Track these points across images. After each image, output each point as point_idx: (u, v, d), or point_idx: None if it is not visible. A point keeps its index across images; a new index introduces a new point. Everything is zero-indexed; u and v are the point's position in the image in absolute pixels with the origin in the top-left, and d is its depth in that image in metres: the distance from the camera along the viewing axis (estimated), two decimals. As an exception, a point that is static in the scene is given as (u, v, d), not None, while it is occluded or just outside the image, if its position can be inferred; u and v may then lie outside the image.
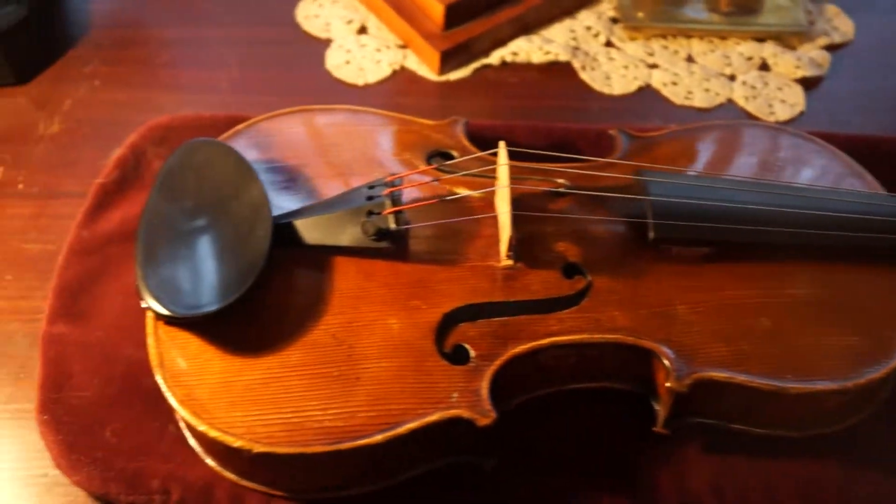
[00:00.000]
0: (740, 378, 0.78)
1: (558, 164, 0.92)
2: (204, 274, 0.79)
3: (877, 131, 1.14)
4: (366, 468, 0.78)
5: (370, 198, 0.83)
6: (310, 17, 1.23)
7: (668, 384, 0.78)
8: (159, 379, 0.77)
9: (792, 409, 0.82)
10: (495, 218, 0.87)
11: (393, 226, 0.82)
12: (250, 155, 0.90)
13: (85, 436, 0.82)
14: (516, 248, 0.83)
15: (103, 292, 0.92)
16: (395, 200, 0.83)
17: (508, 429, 0.79)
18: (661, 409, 0.82)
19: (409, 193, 0.87)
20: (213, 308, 0.76)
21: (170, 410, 0.84)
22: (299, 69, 1.17)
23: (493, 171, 0.89)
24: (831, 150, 0.96)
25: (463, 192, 0.89)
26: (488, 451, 0.81)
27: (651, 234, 0.83)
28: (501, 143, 0.86)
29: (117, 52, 1.17)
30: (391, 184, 0.85)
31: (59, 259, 0.94)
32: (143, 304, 0.78)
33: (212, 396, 0.76)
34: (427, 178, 0.89)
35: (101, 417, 0.83)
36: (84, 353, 0.87)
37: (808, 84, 1.19)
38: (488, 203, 0.88)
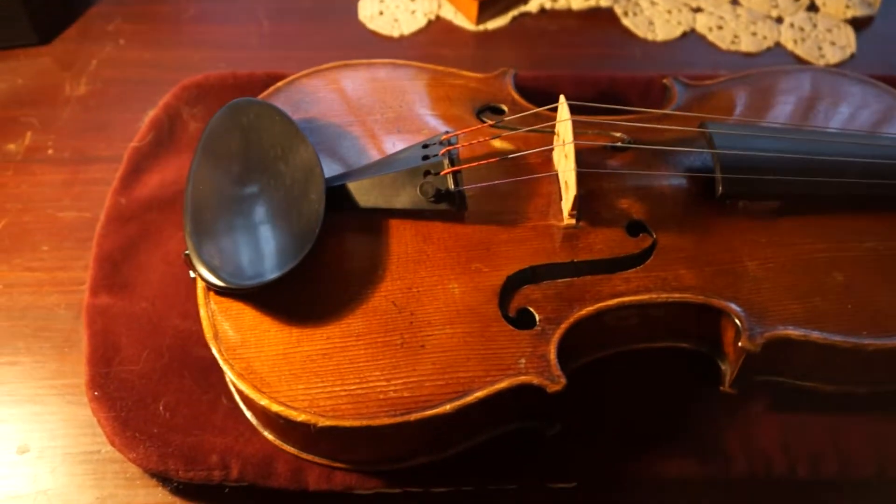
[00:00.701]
0: (815, 336, 0.75)
1: (615, 117, 0.88)
2: (257, 241, 0.76)
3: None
4: (431, 438, 0.76)
5: (426, 157, 0.80)
6: (340, -34, 1.18)
7: (740, 343, 0.75)
8: (215, 352, 0.74)
9: (865, 365, 0.79)
10: (555, 175, 0.84)
11: (452, 186, 0.78)
12: (291, 113, 0.86)
13: (138, 411, 0.80)
14: (579, 206, 0.80)
15: (146, 261, 0.89)
16: (453, 160, 0.79)
17: (570, 392, 0.76)
18: (727, 369, 0.80)
19: (465, 151, 0.83)
20: (270, 278, 0.73)
21: (222, 382, 0.82)
22: (331, 21, 1.13)
23: (550, 126, 0.85)
24: (893, 92, 0.92)
25: (522, 149, 0.85)
26: (553, 416, 0.78)
27: (719, 189, 0.80)
28: (562, 98, 0.82)
29: (141, 8, 1.13)
30: (447, 142, 0.81)
31: (97, 227, 0.90)
32: (193, 275, 0.75)
33: (272, 369, 0.73)
34: (482, 135, 0.85)
35: (153, 391, 0.81)
36: (130, 324, 0.85)
37: (858, 24, 1.15)
38: (547, 160, 0.85)
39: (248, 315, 0.75)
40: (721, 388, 0.80)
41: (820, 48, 1.12)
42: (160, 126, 0.97)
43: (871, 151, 0.83)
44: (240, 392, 0.76)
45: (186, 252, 0.75)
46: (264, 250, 0.75)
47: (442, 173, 0.79)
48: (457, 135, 0.82)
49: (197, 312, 0.78)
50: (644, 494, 0.80)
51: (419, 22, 1.12)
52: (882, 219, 0.82)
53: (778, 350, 0.77)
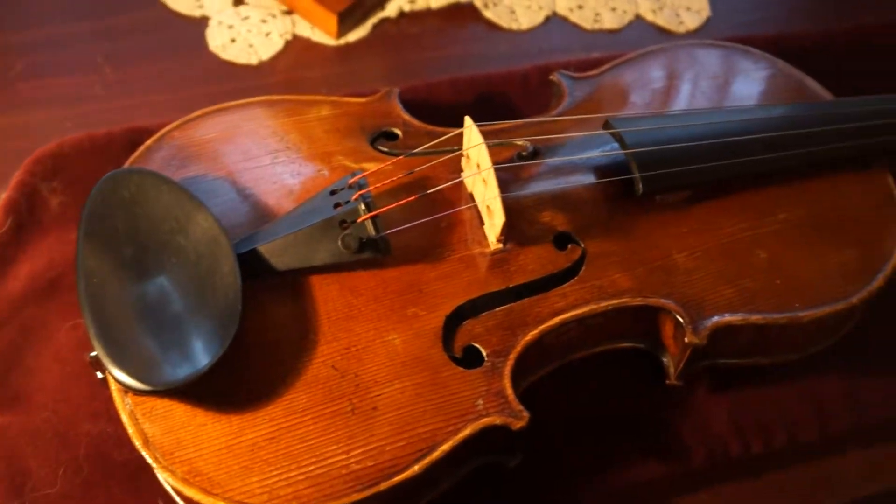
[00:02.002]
0: (754, 318, 0.76)
1: (512, 123, 0.85)
2: (176, 330, 0.68)
3: (777, 26, 1.13)
4: (401, 497, 0.71)
5: (337, 205, 0.74)
6: (175, -5, 1.09)
7: (686, 339, 0.74)
8: (150, 460, 0.67)
9: (797, 335, 0.80)
10: (472, 201, 0.80)
11: (373, 233, 0.73)
12: (171, 173, 0.79)
13: (68, 537, 0.71)
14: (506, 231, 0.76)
15: (35, 365, 0.79)
16: (369, 204, 0.73)
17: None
18: (670, 362, 0.79)
19: (378, 190, 0.77)
20: (199, 369, 0.66)
21: (155, 484, 0.74)
22: (181, 57, 1.04)
23: (457, 146, 0.81)
24: (770, 59, 0.93)
25: (434, 178, 0.80)
26: (516, 448, 0.75)
27: (640, 188, 0.78)
28: (468, 121, 0.78)
29: (-38, 72, 1.00)
30: (357, 185, 0.75)
31: (-29, 337, 0.80)
32: (102, 375, 0.67)
33: (218, 466, 0.66)
34: (391, 172, 0.79)
35: (80, 511, 0.73)
36: (35, 441, 0.76)
37: (707, -13, 1.16)
38: (459, 184, 0.80)
39: (178, 412, 0.68)
40: (667, 381, 0.80)
41: (678, 15, 1.12)
42: (17, 208, 0.86)
43: (770, 124, 0.83)
44: (187, 499, 0.69)
45: (93, 354, 0.67)
46: (185, 339, 0.68)
47: (359, 220, 0.73)
48: (365, 175, 0.76)
49: (108, 411, 0.71)
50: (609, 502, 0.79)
51: (276, 45, 1.05)
52: (789, 188, 0.83)
53: (720, 336, 0.76)
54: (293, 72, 1.03)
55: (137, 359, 0.66)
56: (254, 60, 1.03)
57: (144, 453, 0.67)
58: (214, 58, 1.03)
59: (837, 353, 0.84)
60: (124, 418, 0.68)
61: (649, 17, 1.12)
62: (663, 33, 1.11)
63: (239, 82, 1.02)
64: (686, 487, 0.80)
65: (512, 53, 1.07)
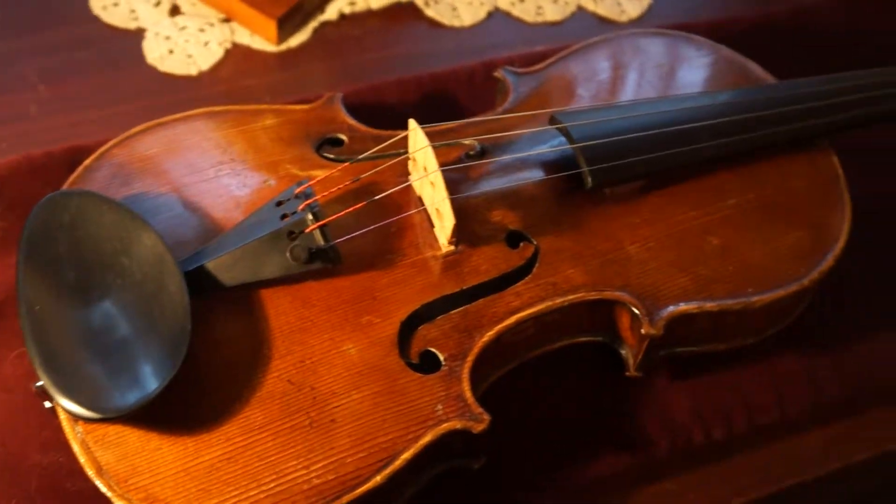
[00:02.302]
0: (709, 305, 0.76)
1: (462, 123, 0.84)
2: (124, 354, 0.66)
3: (720, 9, 1.14)
4: (366, 507, 0.71)
5: (284, 216, 0.73)
6: (109, 7, 1.06)
7: (643, 331, 0.74)
8: (104, 489, 0.65)
9: (752, 319, 0.80)
10: (422, 204, 0.79)
11: (322, 243, 0.72)
12: (113, 192, 0.77)
13: (26, 573, 0.70)
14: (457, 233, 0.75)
15: (-18, 395, 0.77)
16: (316, 213, 0.72)
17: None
18: (628, 353, 0.79)
19: (325, 199, 0.76)
20: (149, 394, 0.64)
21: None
22: (118, 71, 1.01)
23: (403, 149, 0.80)
24: (712, 46, 0.93)
25: (381, 183, 0.79)
26: (479, 450, 0.74)
27: (589, 182, 0.78)
28: (412, 123, 0.76)
29: None
30: (303, 195, 0.74)
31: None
32: (49, 405, 0.65)
33: (176, 490, 0.65)
34: (337, 179, 0.78)
35: (36, 545, 0.71)
36: (-14, 475, 0.73)
37: (645, -28, 1.16)
38: (408, 188, 0.79)
39: (131, 438, 0.66)
40: (626, 373, 0.79)
41: (619, 3, 1.12)
42: (-44, 235, 0.84)
43: (715, 111, 0.83)
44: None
45: (39, 384, 0.65)
46: (134, 363, 0.66)
47: (307, 230, 0.72)
48: (311, 185, 0.75)
49: (59, 441, 0.69)
50: (577, 498, 0.79)
51: (216, 54, 1.03)
52: (738, 173, 0.83)
53: (676, 325, 0.76)
54: (235, 81, 1.01)
55: (85, 386, 0.64)
56: (193, 71, 1.01)
57: (98, 482, 0.65)
58: (153, 70, 1.01)
59: (793, 334, 0.85)
60: (76, 447, 0.66)
61: (591, 6, 1.11)
62: (606, 23, 1.10)
63: (180, 94, 0.99)
64: (651, 477, 0.80)
65: (456, 50, 1.06)
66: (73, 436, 0.67)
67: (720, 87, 0.91)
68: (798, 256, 0.79)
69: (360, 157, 0.79)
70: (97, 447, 0.66)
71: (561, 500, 0.78)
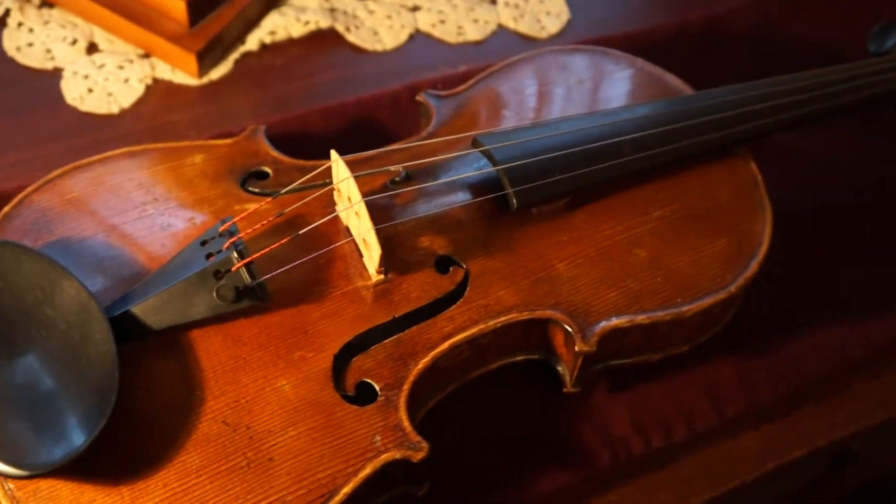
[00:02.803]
0: (640, 318, 0.76)
1: (381, 150, 0.83)
2: (49, 408, 0.64)
3: (637, 20, 1.15)
4: (309, 546, 0.70)
5: (209, 255, 0.71)
6: (23, 48, 1.03)
7: (576, 348, 0.75)
8: (39, 548, 0.63)
9: (685, 328, 0.81)
10: (349, 235, 0.78)
11: (249, 280, 0.71)
12: (35, 240, 0.75)
13: None
14: (385, 262, 0.75)
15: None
16: (241, 251, 0.71)
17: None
18: (564, 370, 0.79)
19: (250, 235, 0.75)
20: (78, 447, 0.62)
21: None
22: (36, 113, 0.99)
23: (327, 180, 0.79)
24: (630, 59, 0.94)
25: (306, 216, 0.78)
26: (421, 477, 0.74)
27: (514, 203, 0.78)
28: (334, 154, 0.76)
29: None
30: (228, 232, 0.73)
31: None
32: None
33: (115, 542, 0.63)
34: (261, 214, 0.77)
35: None
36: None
37: (563, -11, 1.17)
38: (335, 219, 0.79)
39: (63, 491, 0.65)
40: (564, 389, 0.79)
41: (539, 20, 1.12)
42: None
43: (635, 125, 0.84)
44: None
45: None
46: (61, 416, 0.64)
47: (233, 269, 0.71)
48: (235, 222, 0.74)
49: (-9, 497, 0.67)
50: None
51: (136, 90, 1.01)
52: (662, 185, 0.84)
53: (609, 340, 0.77)
54: (158, 117, 1.00)
55: (9, 444, 0.62)
56: (115, 109, 0.99)
57: (32, 540, 0.64)
58: (73, 110, 0.99)
59: (725, 339, 0.85)
60: (6, 504, 0.65)
61: (511, 24, 1.12)
62: (527, 40, 1.11)
63: (102, 133, 0.97)
64: (594, 491, 0.80)
65: (380, 74, 1.06)
66: (4, 493, 0.65)
67: (639, 99, 0.92)
68: (724, 263, 0.80)
69: (285, 190, 0.78)
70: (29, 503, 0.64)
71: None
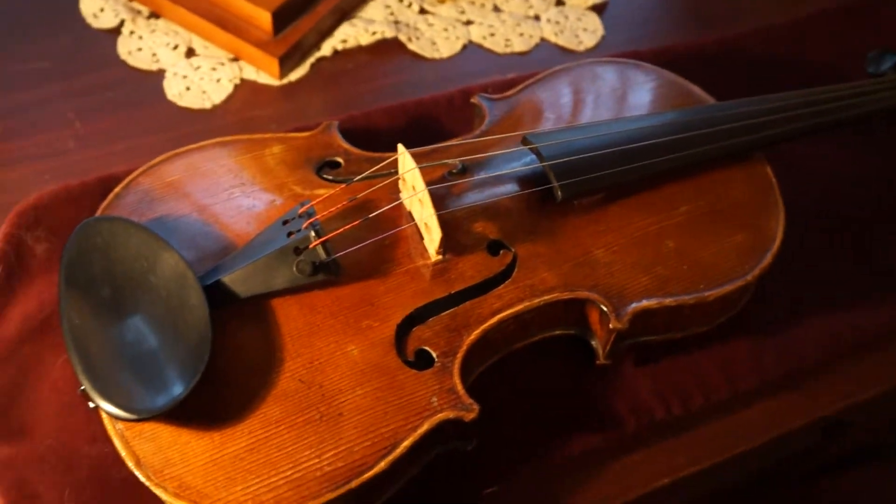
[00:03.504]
0: (668, 301, 0.74)
1: (441, 145, 0.82)
2: (153, 362, 0.64)
3: (664, 38, 1.12)
4: (373, 490, 0.68)
5: (290, 234, 0.70)
6: (133, 53, 1.03)
7: (610, 325, 0.73)
8: (143, 479, 0.63)
9: (706, 310, 0.78)
10: (412, 219, 0.76)
11: (324, 257, 0.69)
12: (140, 216, 0.75)
13: (76, 555, 0.67)
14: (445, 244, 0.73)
15: (35, 398, 0.75)
16: (318, 231, 0.70)
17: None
18: (598, 344, 0.77)
19: (326, 217, 0.73)
20: (177, 397, 0.62)
21: (152, 497, 0.70)
22: (142, 108, 0.98)
23: (393, 171, 0.78)
24: (659, 72, 0.91)
25: (375, 201, 0.76)
26: (470, 434, 0.72)
27: (559, 195, 0.76)
28: (401, 148, 0.74)
29: (-55, 137, 0.93)
30: (306, 213, 0.72)
31: (-28, 379, 0.75)
32: (93, 405, 0.63)
33: (205, 479, 0.63)
34: (336, 199, 0.75)
35: (87, 529, 0.69)
36: (42, 468, 0.71)
37: (598, 10, 1.14)
38: (400, 204, 0.77)
39: (164, 433, 0.64)
40: (597, 361, 0.78)
41: (577, 36, 1.10)
42: (7, 258, 0.81)
43: (665, 129, 0.81)
44: (179, 509, 0.65)
45: (82, 388, 0.63)
46: (163, 369, 0.64)
47: (311, 246, 0.70)
48: (313, 205, 0.73)
49: (104, 434, 0.66)
50: (556, 475, 0.77)
51: (226, 89, 1.00)
52: (687, 183, 0.81)
53: (639, 319, 0.75)
54: (244, 112, 0.99)
55: (120, 391, 0.62)
56: (207, 105, 0.99)
57: (137, 473, 0.63)
58: (172, 105, 0.98)
59: (740, 321, 0.83)
60: (116, 442, 0.64)
61: (552, 38, 1.09)
62: (566, 52, 1.08)
63: (196, 126, 0.97)
64: (621, 451, 0.78)
65: (436, 80, 1.03)
66: (114, 432, 0.65)
67: (667, 107, 0.89)
68: (742, 255, 0.78)
69: (356, 178, 0.77)
70: (135, 442, 0.64)
71: (539, 476, 0.76)
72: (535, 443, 0.77)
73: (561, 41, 1.09)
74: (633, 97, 0.89)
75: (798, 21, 1.13)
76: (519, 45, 1.08)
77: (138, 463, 0.63)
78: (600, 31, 1.11)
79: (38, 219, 0.83)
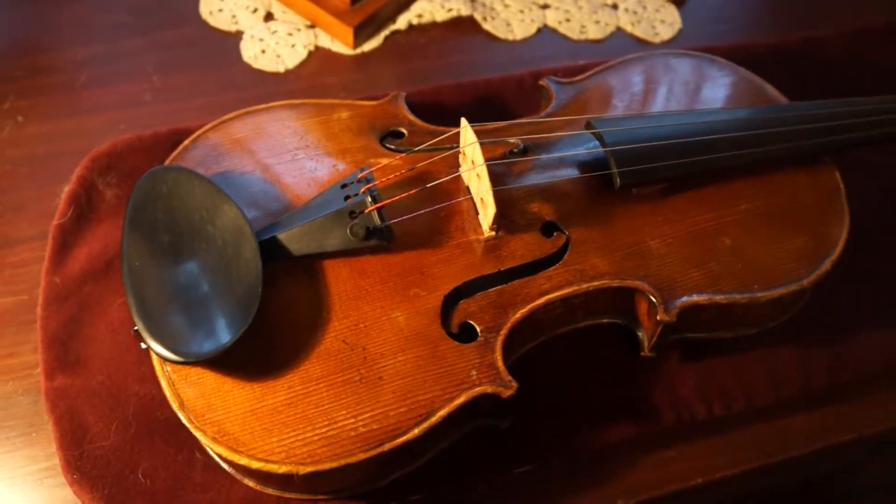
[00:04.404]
0: (718, 298, 0.71)
1: (505, 123, 0.80)
2: (204, 309, 0.65)
3: (741, 35, 1.07)
4: (404, 457, 0.68)
5: (347, 197, 0.70)
6: (214, 13, 1.04)
7: (658, 317, 0.70)
8: (185, 420, 0.64)
9: (755, 312, 0.76)
10: (468, 194, 0.75)
11: (378, 222, 0.69)
12: (206, 169, 0.75)
13: (119, 485, 0.69)
14: (498, 221, 0.72)
15: (92, 334, 0.76)
16: (375, 196, 0.69)
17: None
18: (644, 336, 0.75)
19: (382, 184, 0.73)
20: (223, 344, 0.63)
21: (192, 438, 0.71)
22: (218, 67, 0.99)
23: (454, 144, 0.77)
24: (734, 68, 0.88)
25: (434, 173, 0.75)
26: (506, 412, 0.71)
27: (617, 182, 0.73)
28: (464, 122, 0.73)
29: (33, 82, 0.96)
30: (365, 180, 0.71)
31: (38, 310, 0.77)
32: (144, 346, 0.64)
33: (243, 427, 0.63)
34: (395, 168, 0.75)
35: (129, 462, 0.70)
36: (92, 401, 0.73)
37: (678, 2, 1.10)
38: (457, 178, 0.76)
39: (208, 379, 0.65)
40: (641, 353, 0.75)
41: (653, 27, 1.06)
42: (78, 200, 0.82)
43: (733, 125, 0.78)
44: (217, 454, 0.66)
45: (136, 328, 0.63)
46: (212, 317, 0.64)
47: (366, 211, 0.69)
48: (372, 171, 0.72)
49: (153, 375, 0.67)
50: (591, 461, 0.75)
51: (300, 55, 1.00)
52: (750, 181, 0.78)
53: (688, 314, 0.72)
54: (315, 78, 0.98)
55: (170, 333, 0.63)
56: (281, 69, 0.99)
57: (180, 414, 0.64)
58: (247, 67, 0.99)
59: (791, 327, 0.80)
60: (163, 383, 0.65)
61: (629, 28, 1.06)
62: (641, 43, 1.05)
63: (268, 88, 0.97)
64: (657, 444, 0.76)
65: (507, 61, 1.02)
66: (162, 373, 0.66)
67: (738, 104, 0.85)
68: (800, 259, 0.74)
69: (417, 148, 0.76)
70: (180, 385, 0.65)
71: (572, 460, 0.75)
72: (572, 427, 0.75)
73: (637, 31, 1.06)
74: (705, 92, 0.86)
75: (890, 24, 1.07)
76: (594, 33, 1.05)
77: (182, 405, 0.64)
78: (678, 25, 1.07)
79: (111, 165, 0.85)
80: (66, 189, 0.83)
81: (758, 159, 0.78)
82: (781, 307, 0.77)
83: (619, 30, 1.06)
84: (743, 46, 1.00)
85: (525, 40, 1.04)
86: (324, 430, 0.63)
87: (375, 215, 0.69)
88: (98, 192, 0.83)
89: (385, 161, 0.76)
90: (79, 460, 0.69)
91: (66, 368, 0.74)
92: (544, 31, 1.05)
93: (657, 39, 1.05)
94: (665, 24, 1.07)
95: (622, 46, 1.04)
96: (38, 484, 0.71)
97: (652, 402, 0.77)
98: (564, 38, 1.05)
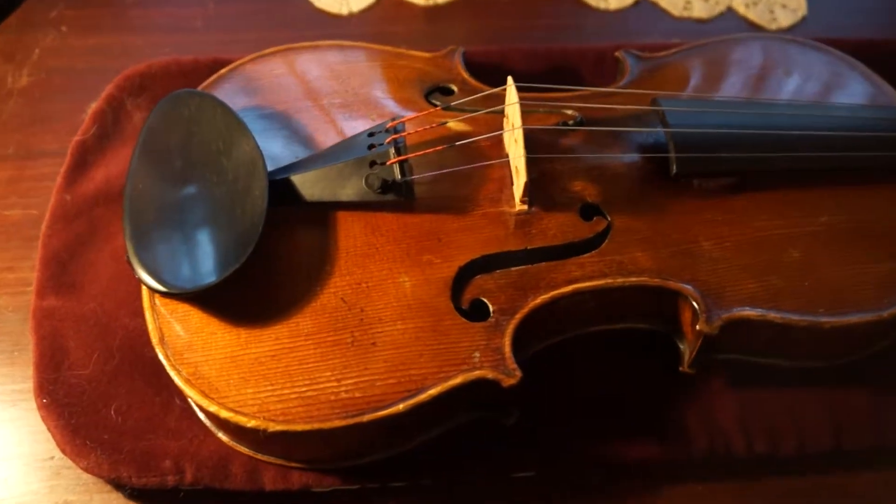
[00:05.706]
0: (772, 315, 0.70)
1: (566, 93, 0.81)
2: (199, 242, 0.69)
3: (875, 32, 1.04)
4: (386, 435, 0.70)
5: (371, 146, 0.73)
6: (284, -57, 1.09)
7: (698, 327, 0.70)
8: (161, 357, 0.68)
9: (821, 341, 0.74)
10: (506, 160, 0.77)
11: (398, 177, 0.71)
12: (236, 102, 0.79)
13: (88, 417, 0.73)
14: (530, 191, 0.73)
15: (93, 259, 0.82)
16: (399, 149, 0.72)
17: (528, 377, 0.69)
18: (686, 349, 0.75)
19: (413, 138, 0.76)
20: (211, 281, 0.67)
21: (174, 383, 0.75)
22: (278, 1, 1.04)
23: (500, 108, 0.78)
24: (848, 62, 0.86)
25: (470, 133, 0.77)
26: (510, 406, 0.73)
27: (674, 169, 0.73)
28: (510, 80, 0.75)
29: (83, -7, 1.04)
30: (393, 129, 0.74)
31: (42, 226, 0.83)
32: (138, 276, 0.68)
33: (220, 373, 0.67)
34: (430, 120, 0.78)
35: (104, 395, 0.75)
36: (79, 326, 0.78)
37: (809, -15, 1.08)
38: (498, 143, 0.78)
39: (194, 317, 0.69)
40: (680, 368, 0.75)
41: (772, 11, 1.05)
42: (104, 118, 0.89)
43: (823, 123, 0.76)
44: (189, 397, 0.70)
45: (128, 256, 0.68)
46: (206, 251, 0.68)
47: (388, 163, 0.72)
48: (403, 121, 0.75)
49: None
50: (604, 478, 0.75)
51: (368, -1, 1.04)
52: (835, 193, 0.77)
53: (736, 329, 0.71)
54: (380, 25, 1.02)
55: (159, 261, 0.67)
56: (344, 11, 1.03)
57: (158, 350, 0.68)
58: (309, 5, 1.03)
59: (868, 369, 0.77)
60: (148, 315, 0.70)
61: (741, 10, 1.05)
62: (753, 28, 1.04)
63: (327, 30, 1.01)
64: (683, 475, 0.75)
65: (594, 32, 1.02)
66: (149, 304, 0.70)
67: (839, 100, 0.83)
68: (882, 287, 0.72)
69: (455, 103, 0.78)
70: (164, 319, 0.69)
71: (581, 473, 0.75)
72: (589, 437, 0.75)
73: (751, 14, 1.04)
74: (805, 85, 0.84)
75: None
76: (699, 11, 1.05)
77: (161, 340, 0.68)
78: (802, 12, 1.05)
79: (144, 86, 0.91)
80: (94, 105, 0.89)
81: (848, 166, 0.76)
82: (855, 340, 0.75)
83: (729, 10, 1.05)
84: (871, 43, 0.97)
85: (619, 11, 1.05)
86: (303, 388, 0.66)
87: (396, 168, 0.72)
88: (126, 113, 0.89)
89: (420, 113, 0.78)
90: (52, 384, 0.74)
91: (60, 289, 0.80)
92: (643, 4, 1.06)
93: (773, 26, 1.04)
94: (787, 9, 1.05)
95: (729, 29, 1.03)
96: (9, 404, 0.77)
97: (683, 424, 0.76)
98: (664, 13, 1.05)
